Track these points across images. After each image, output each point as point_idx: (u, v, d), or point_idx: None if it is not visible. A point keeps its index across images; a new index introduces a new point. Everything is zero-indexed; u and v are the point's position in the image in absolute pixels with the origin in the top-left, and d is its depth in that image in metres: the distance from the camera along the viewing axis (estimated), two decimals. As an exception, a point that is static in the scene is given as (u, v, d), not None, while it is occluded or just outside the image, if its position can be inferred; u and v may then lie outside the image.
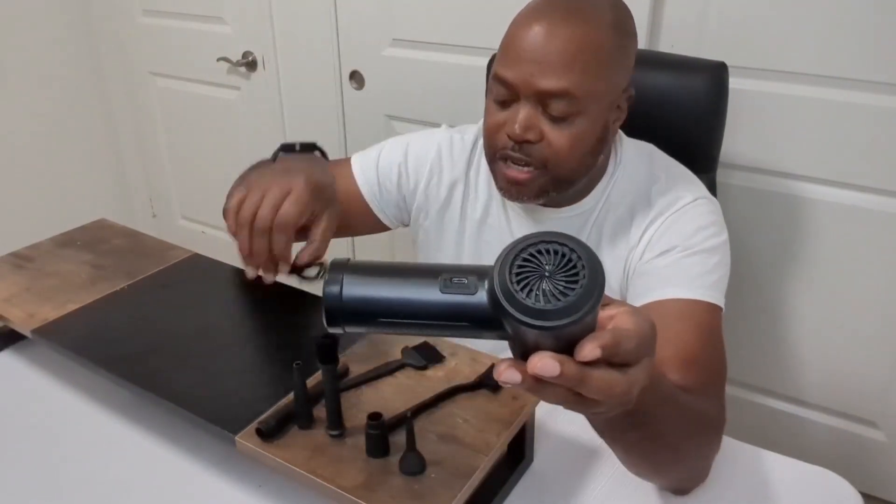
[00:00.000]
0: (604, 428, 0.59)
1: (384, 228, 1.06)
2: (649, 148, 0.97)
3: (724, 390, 0.80)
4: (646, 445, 0.63)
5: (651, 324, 0.46)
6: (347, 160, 1.05)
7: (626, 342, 0.43)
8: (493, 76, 0.85)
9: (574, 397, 0.43)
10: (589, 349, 0.40)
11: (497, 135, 0.86)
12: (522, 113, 0.82)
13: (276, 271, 0.76)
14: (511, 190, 0.87)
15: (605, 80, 0.83)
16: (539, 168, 0.84)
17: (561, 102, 0.80)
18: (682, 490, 0.75)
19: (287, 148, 0.87)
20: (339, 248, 1.96)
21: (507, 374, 0.42)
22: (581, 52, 0.80)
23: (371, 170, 1.02)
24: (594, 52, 0.80)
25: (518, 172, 0.85)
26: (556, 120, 0.82)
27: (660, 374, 0.62)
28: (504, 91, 0.83)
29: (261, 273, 0.76)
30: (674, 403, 0.63)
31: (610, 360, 0.42)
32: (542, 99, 0.81)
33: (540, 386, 0.42)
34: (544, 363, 0.40)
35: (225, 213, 0.78)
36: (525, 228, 0.97)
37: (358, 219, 1.03)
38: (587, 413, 0.48)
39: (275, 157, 0.87)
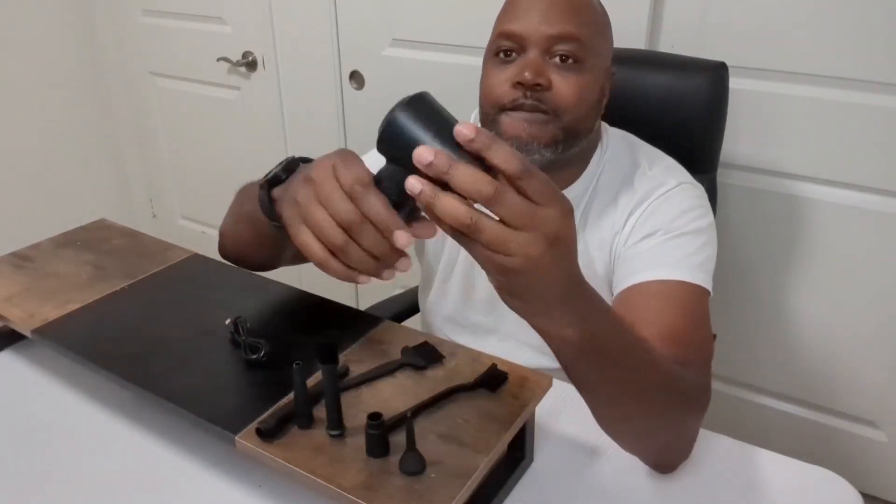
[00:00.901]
0: (571, 363, 0.60)
1: None
2: (630, 137, 0.99)
3: (709, 369, 0.79)
4: (616, 392, 0.63)
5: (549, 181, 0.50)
6: None
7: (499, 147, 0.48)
8: (496, 36, 0.89)
9: (466, 217, 0.48)
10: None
11: (500, 89, 0.87)
12: (532, 58, 0.85)
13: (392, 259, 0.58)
14: (521, 136, 0.86)
15: (601, 39, 0.89)
16: (551, 114, 0.85)
17: (568, 46, 0.85)
18: (663, 465, 0.75)
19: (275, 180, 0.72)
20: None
21: (412, 181, 0.48)
22: (582, 6, 0.87)
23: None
24: (591, 10, 0.88)
25: (530, 117, 0.85)
26: (564, 69, 0.85)
27: (624, 320, 0.63)
28: (509, 44, 0.87)
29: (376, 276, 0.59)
30: (642, 351, 0.64)
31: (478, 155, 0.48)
32: (550, 46, 0.85)
33: (433, 195, 0.48)
34: (422, 151, 0.48)
35: (303, 246, 0.59)
36: None
37: None
38: (502, 278, 0.51)
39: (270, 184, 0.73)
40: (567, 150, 0.88)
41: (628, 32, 1.39)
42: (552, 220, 0.49)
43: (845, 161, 1.33)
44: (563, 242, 0.51)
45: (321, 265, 0.59)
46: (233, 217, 0.90)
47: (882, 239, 1.36)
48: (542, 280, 0.51)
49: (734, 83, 1.14)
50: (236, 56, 2.00)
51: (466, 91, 1.66)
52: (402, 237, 0.54)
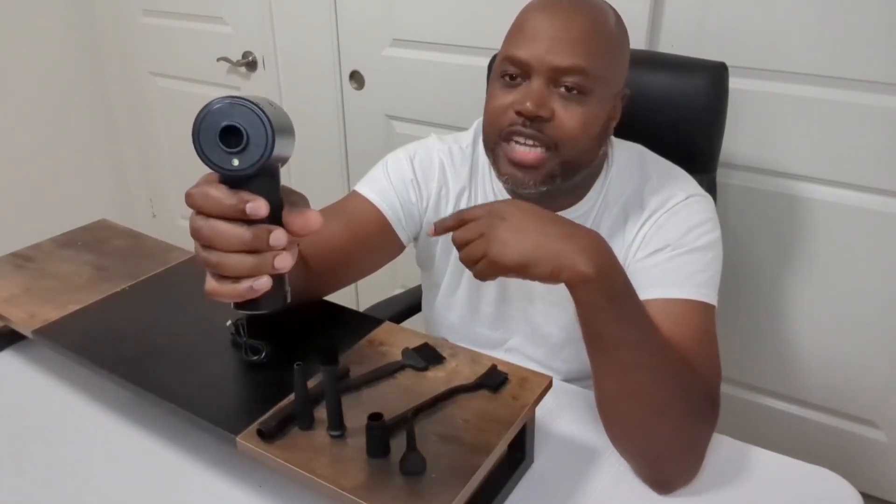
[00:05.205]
0: (594, 310, 0.71)
1: (399, 252, 1.02)
2: (638, 148, 0.97)
3: (718, 390, 0.79)
4: (629, 358, 0.71)
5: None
6: (353, 193, 0.99)
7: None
8: (502, 59, 0.85)
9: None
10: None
11: (503, 115, 0.84)
12: (535, 88, 0.82)
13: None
14: (517, 174, 0.85)
15: (612, 66, 0.85)
16: (550, 149, 0.83)
17: (574, 79, 0.81)
18: (662, 482, 0.74)
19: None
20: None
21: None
22: (594, 34, 0.83)
23: (389, 192, 0.97)
24: (605, 37, 0.84)
25: (527, 152, 0.83)
26: (568, 99, 0.82)
27: (636, 295, 0.75)
28: (514, 69, 0.84)
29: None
30: (652, 322, 0.75)
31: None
32: (556, 76, 0.82)
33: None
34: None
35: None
36: None
37: (386, 247, 0.99)
38: (504, 267, 0.71)
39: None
40: (565, 182, 0.87)
41: (628, 32, 1.39)
42: (494, 212, 0.71)
43: (845, 161, 1.33)
44: (512, 215, 0.71)
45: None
46: None
47: (882, 239, 1.36)
48: (518, 233, 0.69)
49: (734, 83, 1.14)
50: (236, 56, 2.00)
51: (466, 91, 1.67)
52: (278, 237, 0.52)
